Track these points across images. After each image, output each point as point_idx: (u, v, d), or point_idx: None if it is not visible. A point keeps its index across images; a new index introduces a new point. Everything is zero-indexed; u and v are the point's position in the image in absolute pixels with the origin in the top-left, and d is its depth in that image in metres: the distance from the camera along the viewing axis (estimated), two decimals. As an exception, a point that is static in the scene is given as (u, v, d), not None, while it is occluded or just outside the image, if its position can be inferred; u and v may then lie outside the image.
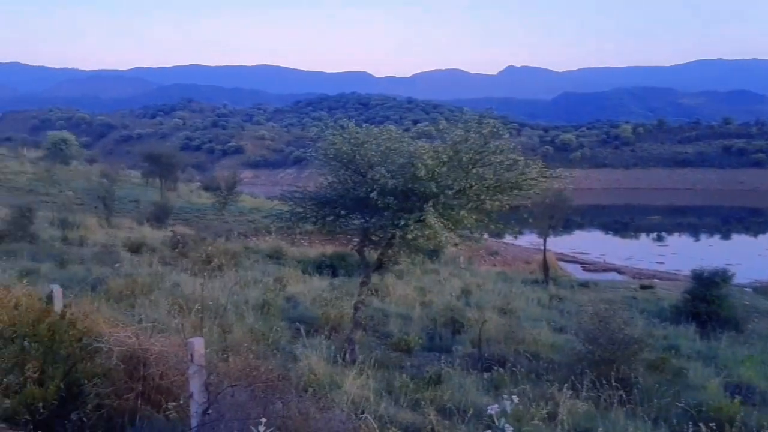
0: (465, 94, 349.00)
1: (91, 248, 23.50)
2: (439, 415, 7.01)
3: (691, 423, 6.96)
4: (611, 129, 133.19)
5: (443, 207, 10.03)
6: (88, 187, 44.65)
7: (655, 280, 33.10)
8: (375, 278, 13.53)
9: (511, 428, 3.56)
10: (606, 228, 68.71)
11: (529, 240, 44.36)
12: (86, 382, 5.75)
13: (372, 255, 12.05)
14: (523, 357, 11.58)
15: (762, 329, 18.59)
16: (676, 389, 9.95)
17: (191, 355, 5.04)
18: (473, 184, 10.14)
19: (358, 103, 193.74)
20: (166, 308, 10.95)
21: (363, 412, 6.13)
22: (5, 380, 5.58)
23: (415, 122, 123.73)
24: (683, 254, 45.53)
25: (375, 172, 10.15)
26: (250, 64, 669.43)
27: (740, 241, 60.42)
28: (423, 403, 7.50)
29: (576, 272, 37.94)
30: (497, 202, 10.56)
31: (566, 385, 8.03)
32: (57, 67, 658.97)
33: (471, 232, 11.86)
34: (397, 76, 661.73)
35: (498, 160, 10.26)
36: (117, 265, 17.80)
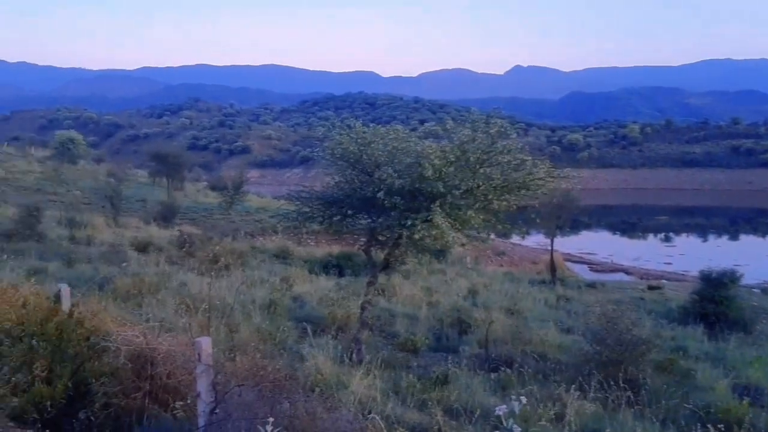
0: (472, 94, 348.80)
1: (98, 247, 23.57)
2: (446, 416, 7.00)
3: (699, 424, 6.93)
4: (619, 129, 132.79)
5: (450, 207, 10.01)
6: (95, 187, 44.79)
7: (663, 281, 32.97)
8: (382, 278, 13.53)
9: (519, 429, 3.55)
10: (613, 228, 68.50)
11: (536, 240, 44.26)
12: (94, 380, 5.76)
13: (379, 255, 12.04)
14: (531, 358, 11.54)
15: (770, 330, 18.49)
16: (684, 390, 9.91)
17: (199, 354, 5.04)
18: (480, 184, 10.12)
19: (364, 102, 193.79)
20: (173, 307, 10.97)
21: (370, 412, 6.12)
22: (14, 379, 5.60)
23: (422, 122, 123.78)
24: (691, 255, 45.31)
25: (382, 171, 10.15)
26: (256, 64, 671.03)
27: (748, 241, 60.13)
28: (430, 403, 7.48)
29: (583, 273, 37.83)
30: (505, 202, 10.54)
31: (574, 386, 8.00)
32: (64, 66, 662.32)
33: (478, 232, 11.84)
34: (403, 75, 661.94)
35: (505, 160, 10.23)
36: (124, 264, 17.85)
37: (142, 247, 24.11)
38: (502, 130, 10.21)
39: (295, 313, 13.94)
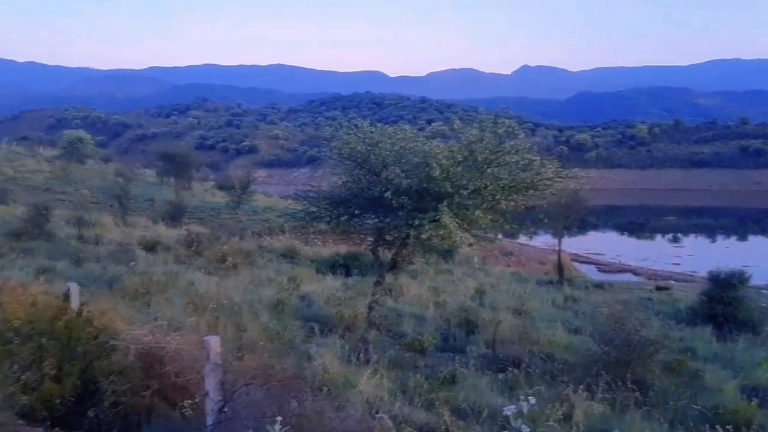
0: (479, 94, 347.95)
1: (106, 246, 23.65)
2: (453, 416, 6.99)
3: (707, 425, 6.92)
4: (626, 129, 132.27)
5: (458, 207, 10.00)
6: (103, 186, 44.97)
7: (671, 282, 32.77)
8: (389, 278, 13.52)
9: (528, 429, 3.55)
10: (621, 229, 68.24)
11: (543, 240, 44.14)
12: (103, 379, 5.80)
13: (386, 255, 12.04)
14: (538, 358, 11.53)
15: (779, 331, 18.38)
16: (693, 391, 9.88)
17: (207, 353, 5.07)
18: (488, 184, 10.10)
19: (371, 102, 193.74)
20: (181, 307, 11.00)
21: (377, 412, 6.13)
22: (23, 377, 5.63)
23: (429, 122, 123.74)
24: (699, 255, 45.07)
25: (389, 171, 10.15)
26: (264, 64, 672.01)
27: (757, 242, 59.79)
28: (437, 403, 7.48)
29: (591, 273, 37.67)
30: (512, 202, 10.52)
31: (581, 386, 8.00)
32: (73, 66, 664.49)
33: (486, 233, 11.81)
34: (411, 75, 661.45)
35: (513, 160, 10.22)
36: (132, 263, 17.92)
37: (150, 247, 24.19)
38: (510, 129, 10.21)
39: (302, 313, 13.96)
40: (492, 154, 10.09)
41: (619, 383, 8.88)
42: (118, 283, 13.96)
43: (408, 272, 20.47)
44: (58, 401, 5.58)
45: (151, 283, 14.05)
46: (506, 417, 3.67)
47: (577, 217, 30.97)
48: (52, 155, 60.11)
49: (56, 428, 5.45)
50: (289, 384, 5.27)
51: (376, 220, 10.94)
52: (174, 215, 36.11)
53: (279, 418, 4.21)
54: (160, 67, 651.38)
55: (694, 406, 8.80)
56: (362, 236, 13.51)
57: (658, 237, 62.36)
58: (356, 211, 11.12)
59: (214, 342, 5.09)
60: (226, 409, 4.96)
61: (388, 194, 9.92)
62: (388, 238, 11.48)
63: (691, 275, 36.68)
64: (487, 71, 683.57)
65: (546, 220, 14.03)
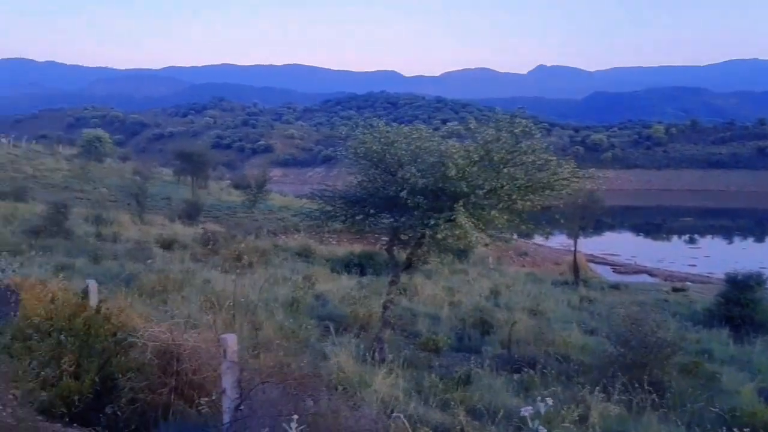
0: (494, 94, 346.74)
1: (124, 244, 23.84)
2: (468, 416, 6.98)
3: (724, 428, 6.85)
4: (643, 129, 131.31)
5: (474, 207, 9.99)
6: (121, 185, 45.30)
7: (688, 283, 32.51)
8: (404, 277, 13.53)
9: (545, 430, 3.54)
10: (637, 229, 67.78)
11: (558, 241, 43.91)
12: (121, 376, 5.84)
13: (401, 254, 12.05)
14: (554, 359, 11.48)
15: (798, 334, 18.19)
16: (710, 394, 9.80)
17: (224, 351, 5.09)
18: (504, 183, 10.08)
19: (386, 102, 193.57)
20: (197, 304, 11.06)
21: (393, 412, 6.13)
22: (42, 373, 5.69)
23: (444, 121, 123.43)
24: (716, 257, 44.63)
25: (405, 171, 10.16)
26: (279, 64, 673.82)
27: (775, 244, 59.20)
28: (452, 403, 7.47)
29: (606, 274, 37.47)
30: (528, 203, 10.48)
31: (597, 387, 7.95)
32: (92, 66, 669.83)
33: (501, 233, 11.78)
34: (426, 75, 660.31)
35: (530, 160, 10.19)
36: (149, 261, 18.03)
37: (167, 245, 24.36)
38: (527, 129, 10.18)
39: (317, 312, 14.00)
40: (508, 154, 10.07)
41: (636, 385, 8.81)
42: (136, 281, 14.06)
43: (423, 272, 20.46)
44: (76, 397, 5.64)
45: (168, 281, 14.15)
46: (522, 418, 3.66)
47: (593, 218, 30.83)
48: (71, 154, 60.73)
49: (74, 424, 5.50)
50: (304, 383, 5.27)
51: (392, 219, 10.95)
52: (190, 214, 36.33)
53: (295, 417, 4.22)
54: (178, 66, 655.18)
55: (711, 408, 8.73)
56: (377, 236, 13.56)
57: (675, 238, 61.89)
58: (371, 211, 11.13)
59: (231, 340, 5.12)
60: (242, 407, 4.98)
61: (403, 194, 9.93)
62: (403, 237, 11.49)
63: (707, 276, 36.37)
64: (502, 71, 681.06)
65: (562, 221, 13.94)
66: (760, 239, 62.00)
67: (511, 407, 7.60)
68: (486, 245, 12.91)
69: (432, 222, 9.80)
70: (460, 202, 9.75)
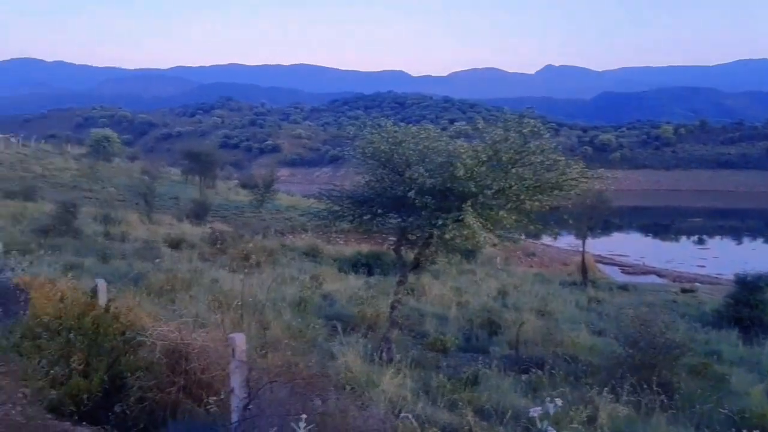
0: (502, 94, 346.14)
1: (132, 244, 23.93)
2: (476, 417, 6.96)
3: (734, 430, 6.82)
4: (652, 129, 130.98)
5: (482, 207, 9.97)
6: (129, 184, 45.45)
7: (696, 284, 32.39)
8: (411, 278, 13.52)
9: (554, 431, 3.53)
10: (645, 230, 67.54)
11: (566, 241, 43.78)
12: (129, 374, 5.85)
13: (409, 254, 12.04)
14: (562, 359, 11.45)
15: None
16: (719, 395, 9.75)
17: (233, 350, 5.09)
18: (513, 184, 10.06)
19: (394, 102, 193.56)
20: (205, 304, 11.08)
21: (401, 412, 6.12)
22: (52, 372, 5.71)
23: (452, 121, 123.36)
24: (725, 258, 44.43)
25: (413, 171, 10.15)
26: (287, 64, 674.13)
27: (785, 244, 58.83)
28: (460, 403, 7.45)
29: (614, 275, 37.37)
30: (537, 203, 10.46)
31: (606, 388, 7.91)
32: (100, 66, 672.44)
33: (509, 233, 11.76)
34: (433, 75, 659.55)
35: (538, 160, 10.17)
36: (157, 260, 18.09)
37: (175, 244, 24.44)
38: (535, 129, 10.15)
39: (324, 311, 14.01)
40: (517, 154, 10.05)
41: (645, 386, 8.77)
42: (144, 280, 14.10)
43: (430, 272, 20.45)
44: (85, 396, 5.65)
45: (176, 280, 14.19)
46: (530, 418, 3.65)
47: (601, 218, 30.75)
48: (80, 153, 60.96)
49: (83, 422, 5.52)
50: (313, 382, 5.27)
51: (399, 219, 10.94)
52: (198, 213, 36.43)
53: (303, 416, 4.22)
54: (186, 66, 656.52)
55: (720, 410, 8.69)
56: (384, 235, 13.57)
57: (683, 239, 61.68)
58: (379, 211, 11.13)
59: (240, 339, 5.12)
60: (251, 406, 4.98)
61: (411, 194, 9.92)
62: (411, 237, 11.48)
63: (716, 277, 36.22)
64: (510, 71, 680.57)
65: (570, 221, 13.92)
66: (769, 240, 61.63)
67: (520, 408, 7.58)
68: (494, 245, 12.89)
69: (440, 222, 9.79)
70: (469, 202, 9.73)
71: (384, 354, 10.17)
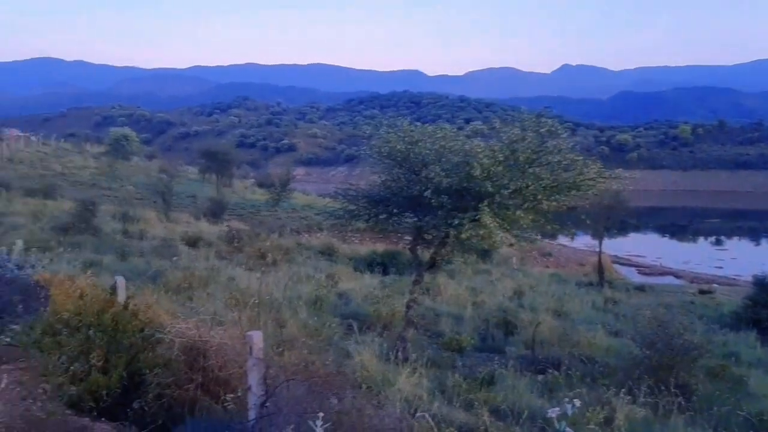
0: (518, 93, 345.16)
1: (150, 241, 24.08)
2: (492, 417, 6.95)
3: (752, 432, 6.76)
4: (669, 129, 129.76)
5: (498, 207, 9.94)
6: (147, 182, 45.71)
7: (714, 285, 32.11)
8: (427, 277, 13.51)
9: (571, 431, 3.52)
10: (662, 231, 66.97)
11: (583, 242, 43.56)
12: (148, 371, 5.89)
13: (424, 254, 12.04)
14: (578, 360, 11.41)
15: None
16: (737, 397, 9.66)
17: (250, 348, 5.12)
18: (530, 183, 10.03)
19: (409, 101, 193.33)
20: (222, 301, 11.15)
21: (416, 411, 6.13)
22: (71, 368, 5.75)
23: (468, 121, 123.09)
24: (743, 259, 43.95)
25: (429, 170, 10.15)
26: (303, 63, 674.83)
27: (805, 246, 58.09)
28: (476, 403, 7.45)
29: (631, 275, 37.10)
30: (554, 203, 10.42)
31: (623, 390, 7.87)
32: (119, 65, 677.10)
33: (526, 233, 11.72)
34: (449, 74, 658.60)
35: (555, 160, 10.13)
36: (175, 258, 18.20)
37: (193, 242, 24.57)
38: (553, 129, 10.12)
39: (340, 310, 14.04)
40: (534, 154, 10.03)
41: (662, 388, 8.72)
42: (162, 278, 14.20)
43: (446, 272, 20.42)
44: (104, 392, 5.70)
45: (193, 278, 14.29)
46: (546, 419, 3.65)
47: (618, 219, 30.55)
48: (99, 152, 61.42)
49: (102, 418, 5.56)
50: (329, 380, 5.28)
51: (415, 219, 10.95)
52: (215, 212, 36.58)
53: (320, 414, 4.24)
54: (203, 66, 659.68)
55: (738, 412, 8.61)
56: (400, 235, 13.55)
57: (701, 240, 61.12)
58: (395, 210, 11.15)
59: (257, 337, 5.15)
60: (268, 404, 5.01)
61: (427, 193, 9.92)
62: (426, 237, 11.48)
63: (734, 279, 35.87)
64: (526, 70, 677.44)
65: (588, 221, 13.84)
66: (789, 242, 60.91)
67: (536, 408, 7.56)
68: (510, 245, 12.87)
69: (456, 222, 9.78)
70: (485, 202, 9.71)
71: (399, 353, 10.18)
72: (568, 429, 3.47)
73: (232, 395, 5.47)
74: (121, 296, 7.46)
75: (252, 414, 5.06)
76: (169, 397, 5.78)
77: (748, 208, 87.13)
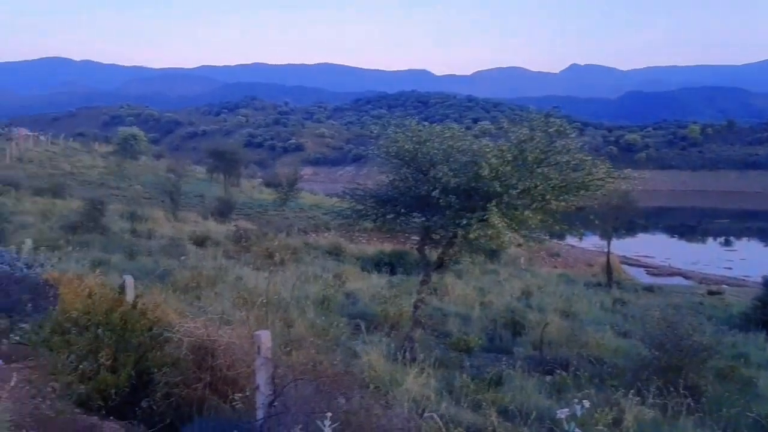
0: (526, 93, 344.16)
1: (158, 241, 24.13)
2: (500, 417, 6.93)
3: (762, 434, 6.72)
4: (678, 129, 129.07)
5: (507, 207, 9.92)
6: (155, 182, 45.87)
7: (723, 286, 31.94)
8: (434, 277, 13.50)
9: (581, 432, 3.50)
10: (671, 231, 66.65)
11: (591, 242, 43.39)
12: (156, 370, 5.91)
13: (432, 254, 12.02)
14: (586, 361, 11.36)
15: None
16: (746, 399, 9.60)
17: (258, 347, 5.12)
18: (538, 183, 9.99)
19: (417, 101, 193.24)
20: (230, 301, 11.17)
21: (424, 411, 6.12)
22: (80, 367, 5.78)
23: (475, 121, 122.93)
24: (753, 260, 43.68)
25: (437, 170, 10.13)
26: (311, 63, 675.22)
27: (814, 247, 57.72)
28: (484, 404, 7.43)
29: (640, 276, 36.95)
30: (563, 203, 10.39)
31: (632, 391, 7.84)
32: (127, 65, 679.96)
33: (534, 233, 11.69)
34: (457, 74, 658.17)
35: (564, 160, 10.09)
36: (183, 257, 18.24)
37: (200, 241, 24.61)
38: (561, 129, 10.09)
39: (347, 310, 14.04)
40: (542, 154, 10.00)
41: (671, 389, 8.68)
42: (170, 277, 14.23)
43: (453, 272, 20.39)
44: (113, 391, 5.72)
45: (201, 278, 14.32)
46: (555, 420, 3.64)
47: (627, 219, 30.44)
48: (107, 151, 61.74)
49: (111, 417, 5.59)
50: (337, 380, 5.29)
51: (423, 219, 10.94)
52: (223, 211, 36.66)
53: (329, 414, 4.24)
54: (211, 66, 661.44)
55: (748, 414, 8.56)
56: (408, 235, 13.56)
57: (710, 240, 60.79)
58: (403, 210, 11.14)
59: (265, 336, 5.15)
60: (276, 404, 5.01)
61: (435, 193, 9.90)
62: (434, 237, 11.46)
63: (744, 280, 35.66)
64: (534, 69, 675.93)
65: (596, 221, 13.79)
66: (798, 242, 60.54)
67: (544, 409, 7.54)
68: (519, 245, 12.85)
69: (464, 222, 9.76)
70: (493, 202, 9.69)
71: (407, 353, 10.17)
72: (576, 430, 3.45)
73: (240, 394, 5.48)
74: (130, 295, 7.48)
75: (260, 413, 5.06)
76: (178, 396, 5.79)
77: (757, 209, 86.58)
